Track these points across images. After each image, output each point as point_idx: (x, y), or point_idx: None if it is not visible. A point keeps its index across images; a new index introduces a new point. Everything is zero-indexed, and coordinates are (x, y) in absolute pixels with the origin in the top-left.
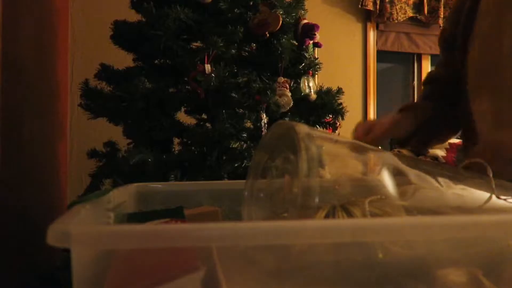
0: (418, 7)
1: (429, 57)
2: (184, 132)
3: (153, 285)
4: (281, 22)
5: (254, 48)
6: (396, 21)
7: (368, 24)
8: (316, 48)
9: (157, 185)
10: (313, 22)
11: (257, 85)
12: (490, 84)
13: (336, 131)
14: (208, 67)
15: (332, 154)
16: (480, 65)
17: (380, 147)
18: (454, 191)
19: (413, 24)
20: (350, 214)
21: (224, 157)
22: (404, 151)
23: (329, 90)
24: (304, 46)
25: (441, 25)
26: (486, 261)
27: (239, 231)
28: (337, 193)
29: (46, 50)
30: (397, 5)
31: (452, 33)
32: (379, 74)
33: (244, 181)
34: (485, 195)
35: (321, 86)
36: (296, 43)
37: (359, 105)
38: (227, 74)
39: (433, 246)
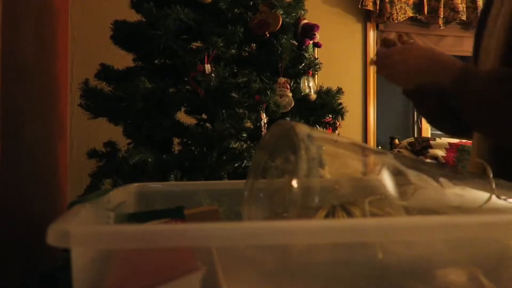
0: (418, 7)
1: None
2: (184, 132)
3: (153, 285)
4: (281, 22)
5: (254, 48)
6: (396, 21)
7: (368, 24)
8: (316, 48)
9: (157, 185)
10: (313, 22)
11: (257, 85)
12: None
13: (336, 131)
14: (208, 67)
15: (332, 154)
16: None
17: (380, 147)
18: (454, 191)
19: (413, 24)
20: (350, 214)
21: (224, 157)
22: (404, 152)
23: (329, 90)
24: (304, 46)
25: (441, 25)
26: (486, 261)
27: (239, 231)
28: (337, 193)
29: (46, 50)
30: (397, 5)
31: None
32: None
33: (244, 181)
34: (485, 195)
35: (321, 86)
36: (296, 43)
37: (359, 105)
38: (227, 74)
39: (433, 246)
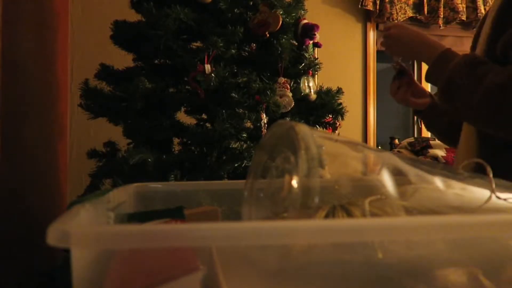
0: (418, 7)
1: None
2: (184, 132)
3: (153, 285)
4: (281, 22)
5: (254, 48)
6: (396, 21)
7: (368, 24)
8: (316, 48)
9: (157, 185)
10: (313, 22)
11: (257, 85)
12: None
13: (336, 131)
14: (208, 67)
15: (332, 154)
16: None
17: (380, 147)
18: (454, 191)
19: (413, 24)
20: (350, 214)
21: (224, 157)
22: (404, 152)
23: (329, 90)
24: (304, 46)
25: (441, 25)
26: (486, 261)
27: (239, 231)
28: (337, 193)
29: (46, 50)
30: (397, 5)
31: None
32: (379, 74)
33: (244, 181)
34: (485, 195)
35: (321, 86)
36: (296, 43)
37: (359, 105)
38: (227, 74)
39: (433, 246)
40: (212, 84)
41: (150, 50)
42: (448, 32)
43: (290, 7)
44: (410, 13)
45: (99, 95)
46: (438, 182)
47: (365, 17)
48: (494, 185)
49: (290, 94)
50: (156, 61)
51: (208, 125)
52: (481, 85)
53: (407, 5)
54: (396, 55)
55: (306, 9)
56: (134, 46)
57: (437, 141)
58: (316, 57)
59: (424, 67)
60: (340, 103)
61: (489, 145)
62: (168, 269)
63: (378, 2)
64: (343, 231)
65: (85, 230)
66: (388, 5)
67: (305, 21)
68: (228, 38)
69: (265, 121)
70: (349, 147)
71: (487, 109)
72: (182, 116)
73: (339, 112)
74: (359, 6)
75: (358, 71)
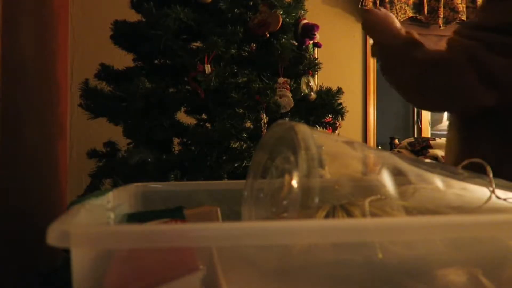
0: (418, 7)
1: None
2: (184, 132)
3: (153, 285)
4: (281, 22)
5: (254, 48)
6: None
7: None
8: (316, 48)
9: (157, 185)
10: (313, 22)
11: (257, 85)
12: None
13: (336, 131)
14: (208, 67)
15: (332, 154)
16: None
17: (380, 147)
18: (454, 191)
19: (413, 24)
20: (350, 214)
21: (224, 157)
22: (404, 152)
23: (329, 90)
24: (304, 46)
25: (441, 25)
26: (486, 261)
27: (239, 231)
28: (337, 193)
29: (46, 50)
30: (397, 5)
31: None
32: (379, 74)
33: (244, 181)
34: (485, 195)
35: (321, 86)
36: (296, 43)
37: (359, 105)
38: (227, 74)
39: (433, 246)
40: (212, 84)
41: (150, 50)
42: (448, 32)
43: (290, 7)
44: (410, 13)
45: (99, 95)
46: (438, 182)
47: None
48: (494, 185)
49: (290, 94)
50: (156, 61)
51: (208, 125)
52: (407, 62)
53: (407, 5)
54: (367, 31)
55: (306, 9)
56: (134, 46)
57: (437, 141)
58: (316, 57)
59: None
60: (340, 103)
61: (466, 137)
62: (168, 269)
63: (378, 2)
64: (343, 231)
65: (85, 230)
66: (388, 5)
67: (305, 21)
68: (228, 38)
69: (265, 121)
70: (349, 147)
71: (406, 83)
72: (182, 116)
73: (339, 112)
74: (359, 6)
75: (358, 71)
